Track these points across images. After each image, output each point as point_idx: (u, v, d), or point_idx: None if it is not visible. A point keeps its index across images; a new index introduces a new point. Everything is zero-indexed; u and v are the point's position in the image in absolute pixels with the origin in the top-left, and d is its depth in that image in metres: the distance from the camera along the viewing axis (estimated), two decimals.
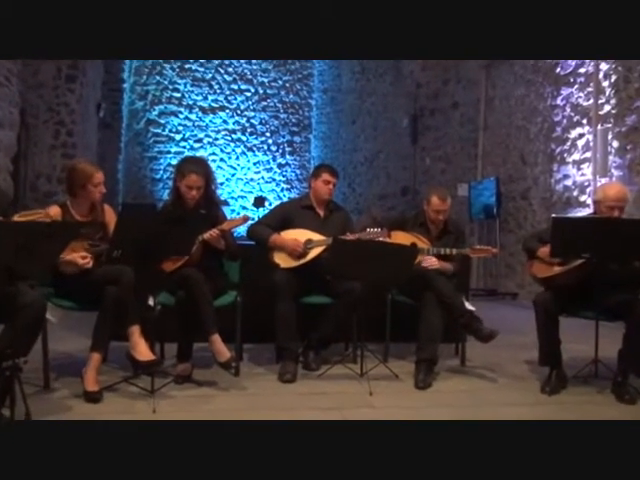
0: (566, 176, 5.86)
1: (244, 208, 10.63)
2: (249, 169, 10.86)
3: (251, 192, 10.78)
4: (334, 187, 3.36)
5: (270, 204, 10.17)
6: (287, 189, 11.08)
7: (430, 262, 3.22)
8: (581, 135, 5.66)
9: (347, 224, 3.40)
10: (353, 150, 10.08)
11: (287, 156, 11.17)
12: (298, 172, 11.20)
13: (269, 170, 11.02)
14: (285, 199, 10.55)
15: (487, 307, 5.46)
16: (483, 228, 7.25)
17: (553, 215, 2.83)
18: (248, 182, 10.84)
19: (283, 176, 11.10)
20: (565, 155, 5.88)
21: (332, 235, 3.10)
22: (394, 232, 3.44)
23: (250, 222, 3.26)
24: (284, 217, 3.31)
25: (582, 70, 5.61)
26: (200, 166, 3.04)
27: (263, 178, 10.95)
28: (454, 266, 3.32)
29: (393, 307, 3.34)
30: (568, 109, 5.83)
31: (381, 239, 3.09)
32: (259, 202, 9.95)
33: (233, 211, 10.32)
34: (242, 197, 10.77)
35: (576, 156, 5.73)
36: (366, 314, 3.16)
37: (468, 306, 3.18)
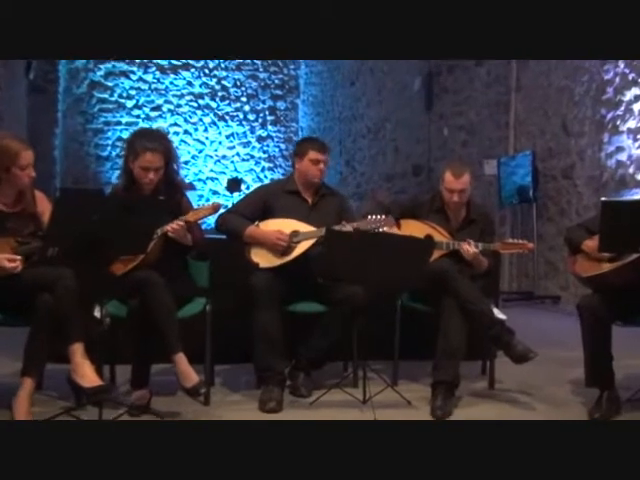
0: (619, 149, 5.88)
1: (215, 193, 10.62)
2: (221, 144, 10.84)
3: (224, 173, 10.77)
4: (326, 166, 3.36)
5: (248, 187, 10.14)
6: (269, 168, 11.07)
7: (469, 247, 3.23)
8: (637, 97, 5.69)
9: (343, 211, 3.41)
10: (352, 119, 10.08)
11: (269, 127, 11.15)
12: (283, 147, 11.19)
13: (246, 145, 11.00)
14: (267, 181, 10.52)
15: (522, 315, 5.49)
16: (516, 216, 7.28)
17: (603, 199, 2.83)
18: (220, 160, 10.82)
19: (264, 152, 11.09)
20: (618, 122, 5.91)
21: (324, 225, 3.11)
22: (404, 221, 3.45)
23: (222, 211, 3.26)
24: (263, 204, 3.32)
25: None
26: (158, 141, 3.03)
27: (239, 155, 10.94)
28: (487, 262, 3.35)
29: (403, 316, 3.35)
30: (621, 65, 5.85)
31: (386, 229, 3.10)
32: (234, 185, 9.94)
33: (201, 197, 10.30)
34: (212, 179, 10.76)
35: (632, 124, 5.75)
36: (370, 325, 3.17)
37: (498, 314, 3.19)
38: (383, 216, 3.12)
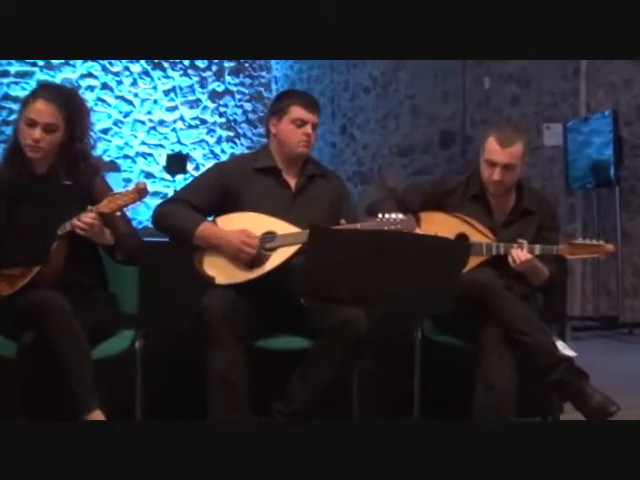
0: None
1: (149, 176, 10.59)
2: (157, 103, 10.82)
3: (161, 146, 10.74)
4: (314, 131, 3.38)
5: (197, 168, 10.13)
6: (229, 139, 11.07)
7: (520, 251, 3.25)
8: None
9: (341, 202, 3.42)
10: (351, 66, 10.10)
11: (227, 78, 11.15)
12: (248, 107, 11.18)
13: (194, 104, 10.99)
14: (225, 158, 10.50)
15: (600, 350, 5.50)
16: (591, 205, 7.30)
17: None
18: (155, 128, 10.80)
19: (220, 115, 11.07)
20: None
21: (311, 223, 3.09)
22: (427, 214, 3.49)
23: (156, 200, 3.26)
24: (223, 190, 3.32)
25: None
26: (59, 93, 3.06)
27: (183, 119, 10.92)
28: (549, 271, 3.37)
29: (425, 354, 3.37)
30: None
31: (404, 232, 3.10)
32: (177, 164, 9.92)
33: (128, 182, 10.25)
34: (145, 155, 10.73)
35: None
36: (376, 367, 3.17)
37: (564, 350, 3.22)
38: (400, 215, 3.11)
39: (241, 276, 3.17)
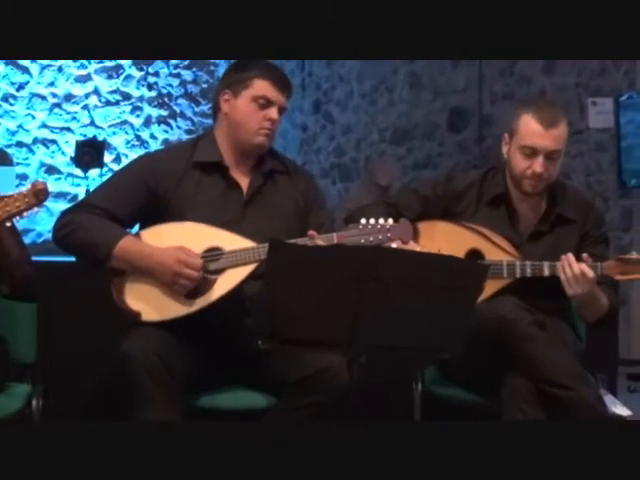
0: None
1: (51, 171, 10.56)
2: (62, 72, 10.81)
3: (69, 130, 10.72)
4: (281, 115, 3.41)
5: (118, 159, 10.11)
6: (161, 120, 11.07)
7: (573, 265, 3.25)
8: None
9: (311, 209, 3.47)
10: None
11: None
12: (188, 76, 11.20)
13: (114, 73, 10.99)
14: (157, 148, 10.49)
15: None
16: None
17: None
18: (60, 105, 10.78)
19: (150, 88, 11.08)
20: None
21: (270, 237, 3.10)
22: (429, 224, 3.54)
23: (62, 204, 3.25)
24: (150, 192, 3.34)
25: None
26: None
27: (98, 93, 10.92)
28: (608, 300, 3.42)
29: (426, 412, 3.41)
30: None
31: (397, 244, 3.10)
32: (89, 155, 9.88)
33: (24, 179, 10.24)
34: (46, 143, 10.71)
35: None
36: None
37: (615, 407, 3.28)
38: (390, 220, 3.13)
39: (177, 310, 3.18)
